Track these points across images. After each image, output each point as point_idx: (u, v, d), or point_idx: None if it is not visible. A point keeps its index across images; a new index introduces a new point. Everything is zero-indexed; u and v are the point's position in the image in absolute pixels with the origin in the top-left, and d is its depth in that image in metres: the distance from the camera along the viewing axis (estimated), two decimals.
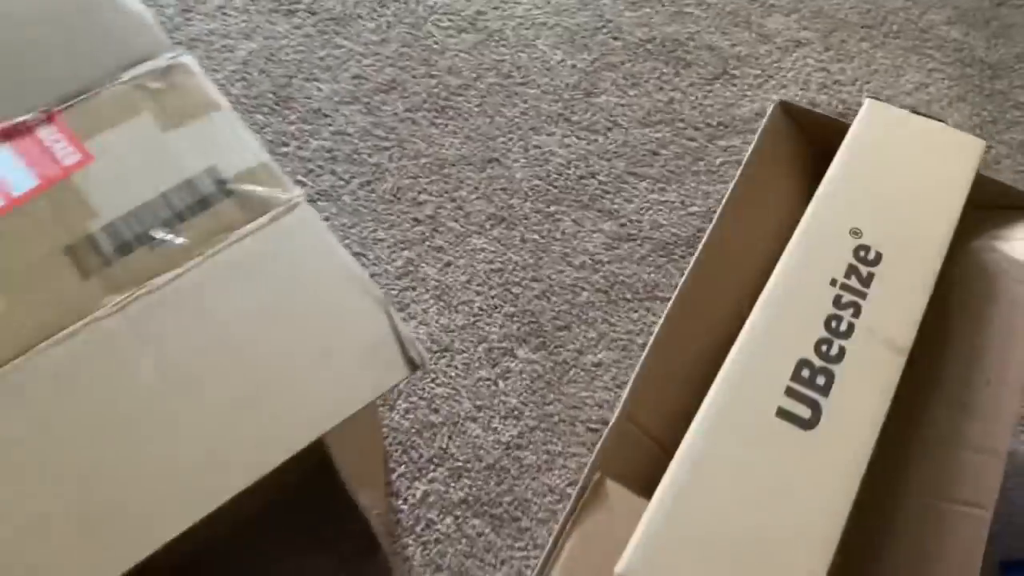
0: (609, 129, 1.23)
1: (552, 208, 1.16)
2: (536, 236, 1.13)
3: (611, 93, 1.27)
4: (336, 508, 0.93)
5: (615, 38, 1.33)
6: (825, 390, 0.61)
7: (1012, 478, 0.84)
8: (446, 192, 1.16)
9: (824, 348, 0.63)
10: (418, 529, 0.93)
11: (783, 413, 0.59)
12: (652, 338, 0.72)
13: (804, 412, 0.59)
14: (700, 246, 0.77)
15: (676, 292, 0.75)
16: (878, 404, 0.61)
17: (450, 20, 1.34)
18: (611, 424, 0.67)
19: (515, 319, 1.07)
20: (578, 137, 1.22)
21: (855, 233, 0.70)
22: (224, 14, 1.32)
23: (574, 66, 1.30)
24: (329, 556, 0.91)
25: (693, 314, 0.74)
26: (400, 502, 0.95)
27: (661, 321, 0.73)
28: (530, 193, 1.17)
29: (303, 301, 0.55)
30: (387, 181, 1.16)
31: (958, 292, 0.80)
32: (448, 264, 1.10)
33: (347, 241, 1.11)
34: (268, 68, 1.27)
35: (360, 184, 1.16)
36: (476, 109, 1.24)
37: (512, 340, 1.05)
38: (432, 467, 0.97)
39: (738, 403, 0.60)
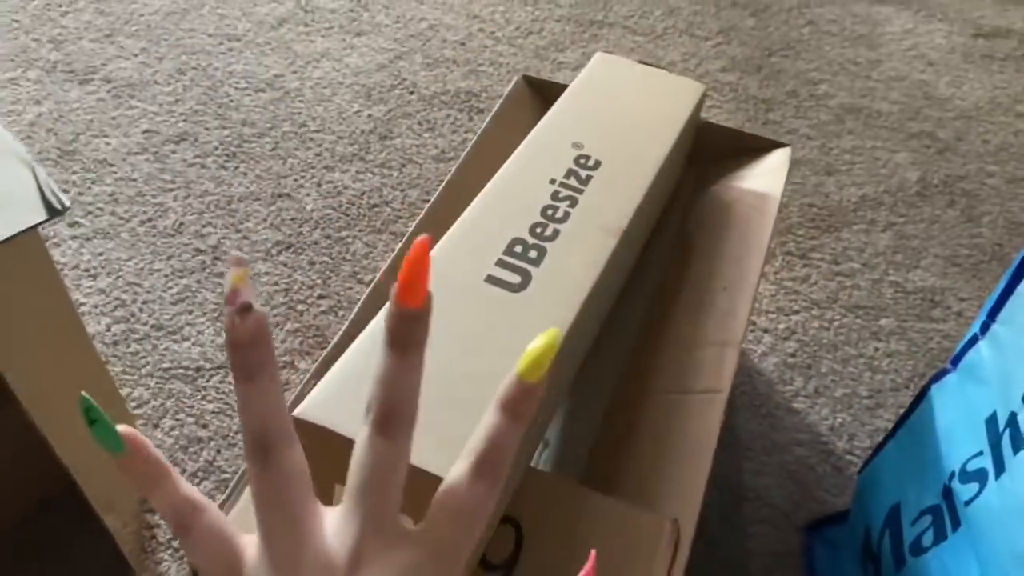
0: (404, 165, 1.25)
1: (343, 233, 1.14)
2: (326, 258, 1.11)
3: (406, 136, 1.29)
4: (84, 528, 0.84)
5: (411, 92, 1.37)
6: (536, 262, 0.59)
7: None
8: (231, 224, 1.13)
9: (539, 230, 0.62)
10: (175, 544, 0.84)
11: (492, 279, 0.57)
12: (381, 272, 0.70)
13: (514, 279, 0.57)
14: (433, 198, 0.76)
15: (412, 227, 0.73)
16: (587, 273, 0.59)
17: (247, 82, 1.36)
18: (326, 351, 0.63)
19: (299, 334, 1.02)
20: (372, 173, 1.23)
21: (577, 146, 0.71)
22: (15, 84, 1.31)
23: (370, 115, 1.32)
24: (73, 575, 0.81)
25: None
26: (156, 517, 0.86)
27: (393, 255, 0.71)
28: (321, 221, 1.15)
29: None
30: (169, 218, 1.13)
31: (698, 224, 0.82)
32: None
33: (121, 272, 1.06)
34: (56, 127, 1.25)
35: (140, 221, 1.12)
36: (269, 153, 1.24)
37: (294, 354, 1.00)
38: (196, 480, 0.89)
39: (447, 270, 0.57)
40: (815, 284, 1.13)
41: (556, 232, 0.62)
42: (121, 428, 0.26)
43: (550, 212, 0.63)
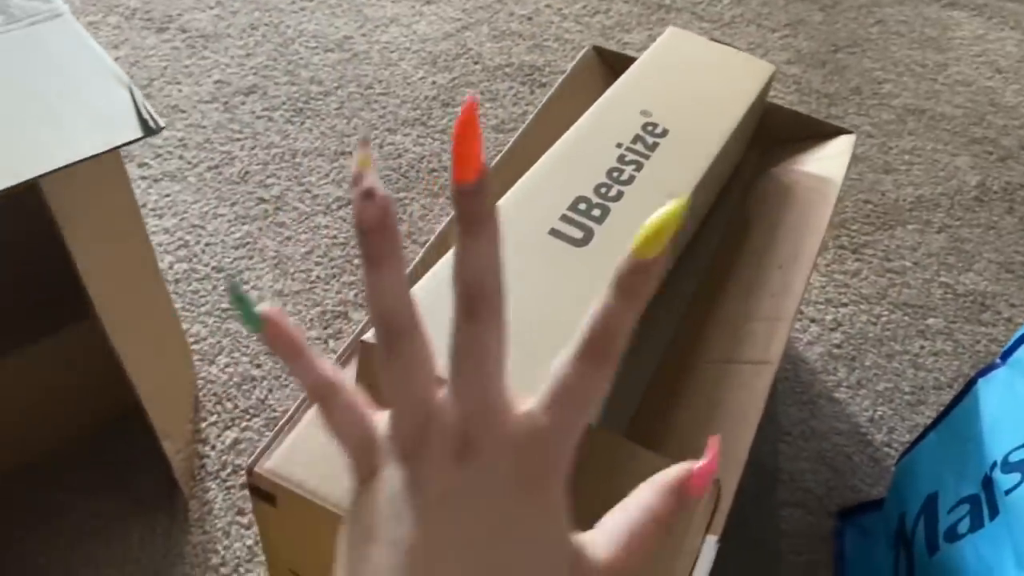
0: None
1: (401, 195, 1.17)
2: None
3: None
4: (136, 450, 0.87)
5: (475, 62, 1.39)
6: (600, 220, 0.61)
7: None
8: (295, 177, 1.16)
9: (604, 190, 0.63)
10: (223, 474, 0.87)
11: (556, 233, 0.59)
12: (437, 234, 0.72)
13: (576, 234, 0.59)
14: (494, 161, 0.78)
15: None
16: None
17: (317, 42, 1.38)
18: None
19: (353, 287, 1.05)
20: (432, 138, 1.25)
21: (645, 113, 0.72)
22: (95, 28, 1.35)
23: (434, 82, 1.34)
24: (123, 499, 0.84)
25: None
26: (208, 448, 0.89)
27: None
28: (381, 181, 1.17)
29: (45, 80, 0.54)
30: (235, 166, 1.16)
31: (758, 203, 0.82)
32: (289, 238, 1.09)
33: (186, 214, 1.09)
34: (131, 72, 1.28)
35: (208, 167, 1.16)
36: (334, 111, 1.27)
37: (348, 305, 1.03)
38: (248, 417, 0.92)
39: (512, 221, 0.59)
40: (865, 279, 1.14)
41: (620, 193, 0.63)
42: (262, 307, 0.26)
43: (615, 174, 0.65)
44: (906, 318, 1.09)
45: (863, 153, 1.32)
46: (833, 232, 1.19)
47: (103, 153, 0.51)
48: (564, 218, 0.60)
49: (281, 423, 0.58)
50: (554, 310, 0.53)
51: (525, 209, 0.60)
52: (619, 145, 0.68)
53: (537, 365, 0.50)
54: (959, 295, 1.13)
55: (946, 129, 1.39)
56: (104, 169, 0.59)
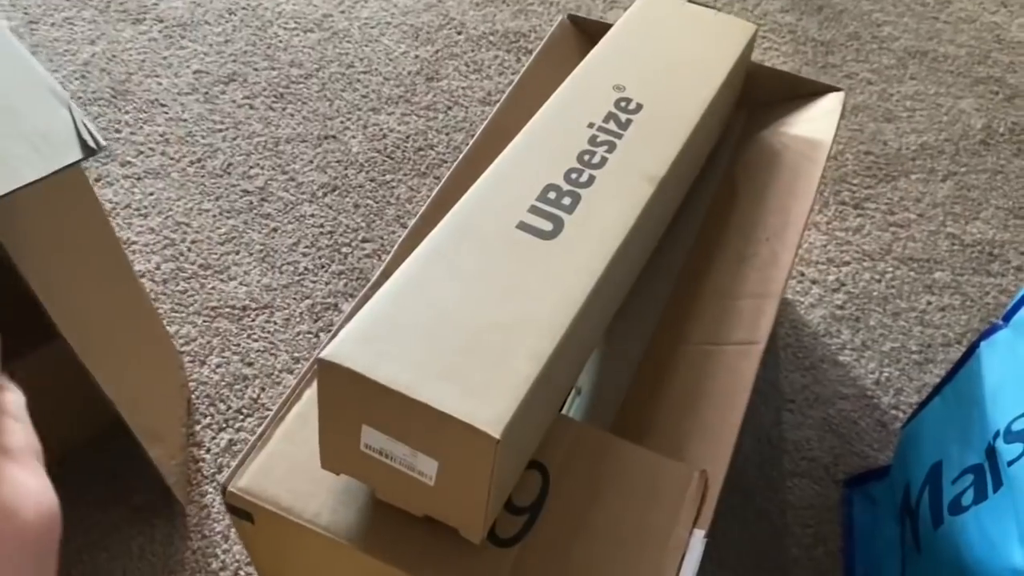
0: (449, 108, 1.24)
1: (388, 177, 1.14)
2: (370, 202, 1.11)
3: (453, 78, 1.28)
4: (130, 458, 0.87)
5: (459, 32, 1.35)
6: (570, 209, 0.58)
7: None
8: (279, 166, 1.14)
9: (574, 176, 0.60)
10: (220, 478, 0.86)
11: (524, 226, 0.56)
12: (418, 216, 0.70)
13: (546, 226, 0.56)
14: (472, 141, 0.76)
15: (450, 171, 0.73)
16: (621, 220, 0.58)
17: (296, 22, 1.35)
18: (362, 293, 0.64)
19: (342, 276, 1.03)
20: (418, 115, 1.22)
21: (618, 88, 0.69)
22: (70, 23, 1.32)
23: (417, 56, 1.31)
24: (121, 507, 0.84)
25: (460, 188, 0.72)
26: (203, 451, 0.88)
27: (430, 199, 0.71)
28: (366, 164, 1.15)
29: None
30: (218, 159, 1.14)
31: (745, 171, 0.79)
32: (275, 229, 1.07)
33: (171, 212, 1.08)
34: (109, 67, 1.26)
35: (190, 162, 1.14)
36: (316, 94, 1.24)
37: (338, 296, 1.01)
38: (241, 417, 0.91)
39: (480, 215, 0.57)
40: (868, 235, 1.10)
41: (591, 178, 0.61)
42: None
43: (587, 157, 0.62)
44: (911, 273, 1.06)
45: (863, 102, 1.28)
46: (833, 188, 1.16)
47: (43, 179, 0.49)
48: (533, 209, 0.58)
49: (253, 440, 0.57)
50: (519, 307, 0.51)
51: (492, 203, 0.58)
52: (591, 125, 0.65)
53: (497, 366, 0.47)
54: (966, 245, 1.10)
55: (949, 70, 1.34)
56: (55, 189, 0.57)
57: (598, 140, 0.64)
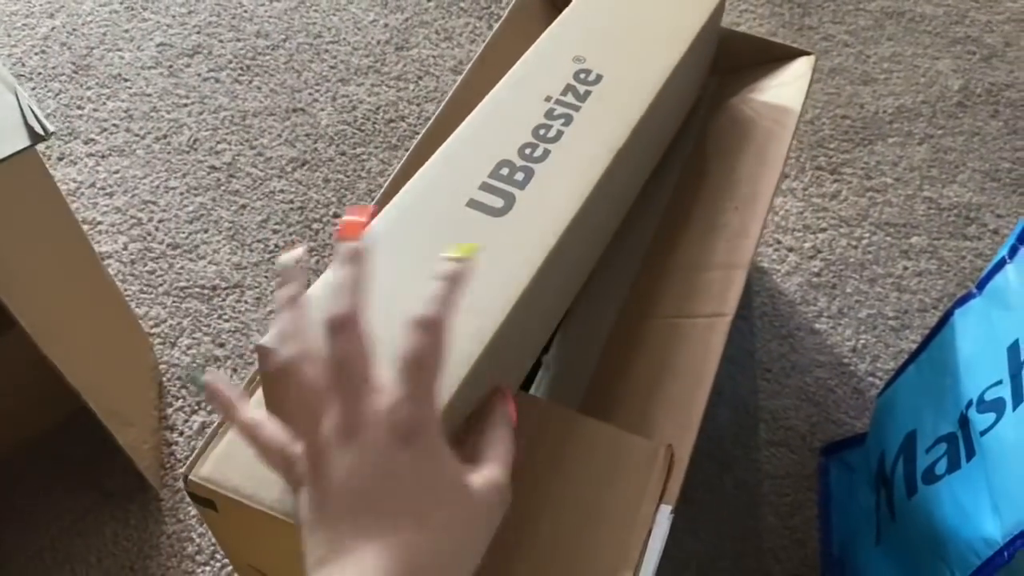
0: (420, 78, 1.21)
1: (359, 150, 1.12)
2: (341, 176, 1.09)
3: (423, 46, 1.26)
4: (101, 443, 0.85)
5: None
6: (522, 184, 0.56)
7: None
8: (246, 141, 1.12)
9: (528, 151, 0.58)
10: None
11: (474, 203, 0.54)
12: (381, 192, 0.68)
13: (497, 203, 0.54)
14: (435, 113, 0.74)
15: (413, 146, 0.71)
16: (575, 196, 0.56)
17: None
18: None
19: (314, 253, 1.02)
20: (388, 86, 1.20)
21: (578, 60, 0.67)
22: None
23: (386, 24, 1.28)
24: (93, 494, 0.83)
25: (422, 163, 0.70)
26: (176, 435, 0.87)
27: (390, 176, 0.69)
28: (336, 137, 1.13)
29: None
30: (184, 134, 1.12)
31: (715, 139, 0.78)
32: (244, 206, 1.05)
33: (137, 190, 1.05)
34: (69, 41, 1.23)
35: (155, 138, 1.11)
36: (283, 66, 1.21)
37: (310, 273, 1.00)
38: None
39: (429, 195, 0.55)
40: (845, 200, 1.09)
41: (546, 152, 0.59)
42: (206, 376, 0.38)
43: (542, 131, 0.60)
44: (888, 238, 1.06)
45: (840, 64, 1.26)
46: (810, 153, 1.14)
47: None
48: (484, 186, 0.56)
49: (214, 426, 0.55)
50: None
51: (443, 181, 0.56)
52: (548, 99, 0.63)
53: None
54: (943, 209, 1.09)
55: (926, 31, 1.32)
56: (4, 176, 0.55)
57: (555, 113, 0.62)
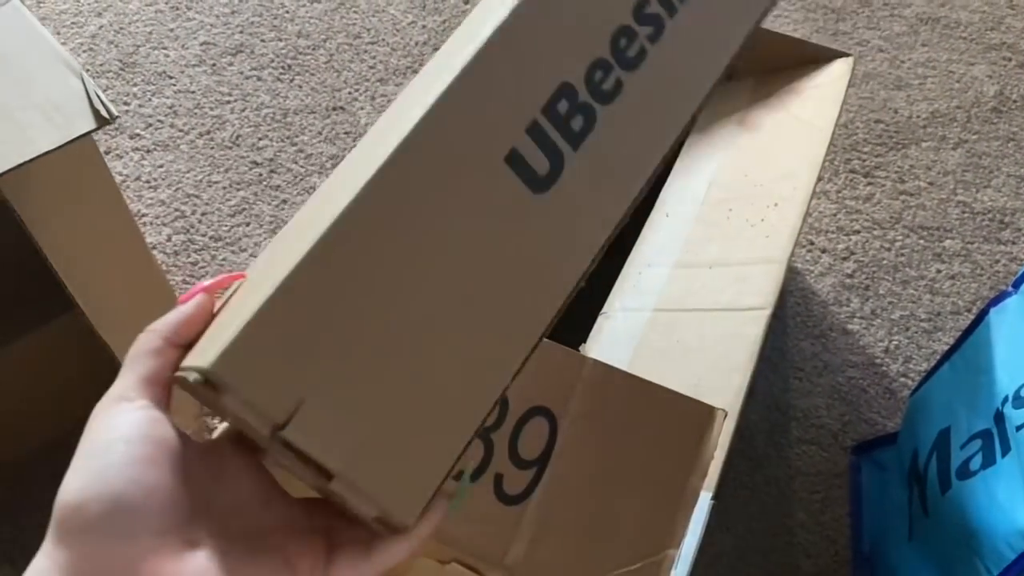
0: None
1: None
2: None
3: None
4: None
5: (466, 1, 1.35)
6: (580, 138, 0.35)
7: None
8: (287, 138, 1.14)
9: (599, 76, 0.36)
10: None
11: (514, 159, 0.34)
12: None
13: (541, 165, 0.34)
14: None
15: None
16: (639, 167, 0.37)
17: None
18: None
19: None
20: None
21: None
22: None
23: (424, 26, 1.30)
24: None
25: None
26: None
27: None
28: None
29: None
30: (227, 130, 1.15)
31: (752, 137, 0.79)
32: (285, 201, 1.08)
33: (181, 184, 1.08)
34: (116, 39, 1.26)
35: (199, 134, 1.14)
36: (324, 65, 1.24)
37: None
38: None
39: (456, 137, 0.33)
40: (878, 203, 1.10)
41: (618, 85, 0.36)
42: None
43: (623, 42, 0.36)
44: (921, 241, 1.06)
45: (874, 69, 1.27)
46: (843, 156, 1.15)
47: (57, 148, 0.49)
48: (533, 129, 0.34)
49: None
50: (481, 299, 0.33)
51: (477, 112, 0.33)
52: None
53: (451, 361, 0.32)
54: (976, 213, 1.09)
55: (962, 37, 1.32)
56: (68, 159, 0.57)
57: (644, 13, 0.37)
